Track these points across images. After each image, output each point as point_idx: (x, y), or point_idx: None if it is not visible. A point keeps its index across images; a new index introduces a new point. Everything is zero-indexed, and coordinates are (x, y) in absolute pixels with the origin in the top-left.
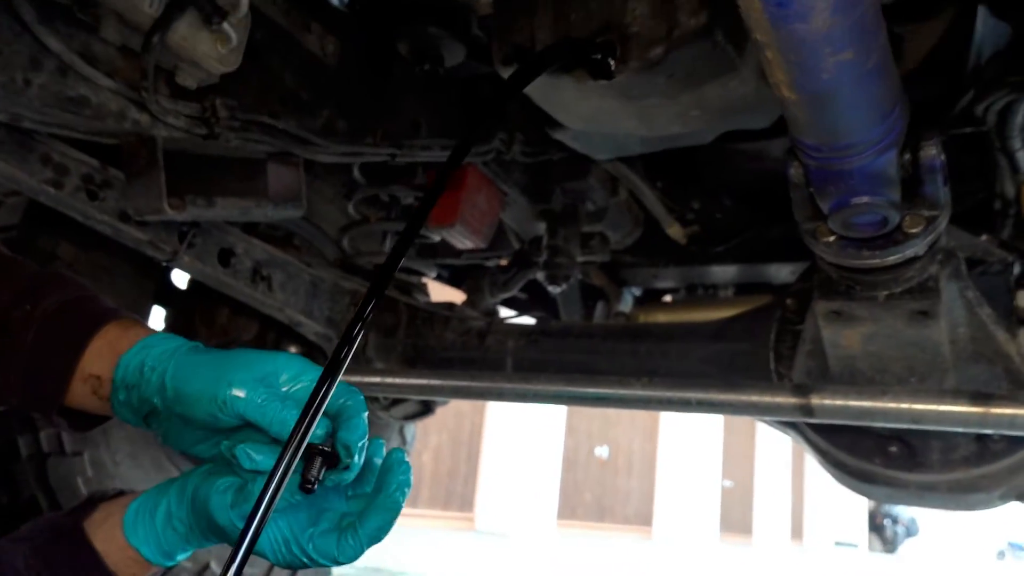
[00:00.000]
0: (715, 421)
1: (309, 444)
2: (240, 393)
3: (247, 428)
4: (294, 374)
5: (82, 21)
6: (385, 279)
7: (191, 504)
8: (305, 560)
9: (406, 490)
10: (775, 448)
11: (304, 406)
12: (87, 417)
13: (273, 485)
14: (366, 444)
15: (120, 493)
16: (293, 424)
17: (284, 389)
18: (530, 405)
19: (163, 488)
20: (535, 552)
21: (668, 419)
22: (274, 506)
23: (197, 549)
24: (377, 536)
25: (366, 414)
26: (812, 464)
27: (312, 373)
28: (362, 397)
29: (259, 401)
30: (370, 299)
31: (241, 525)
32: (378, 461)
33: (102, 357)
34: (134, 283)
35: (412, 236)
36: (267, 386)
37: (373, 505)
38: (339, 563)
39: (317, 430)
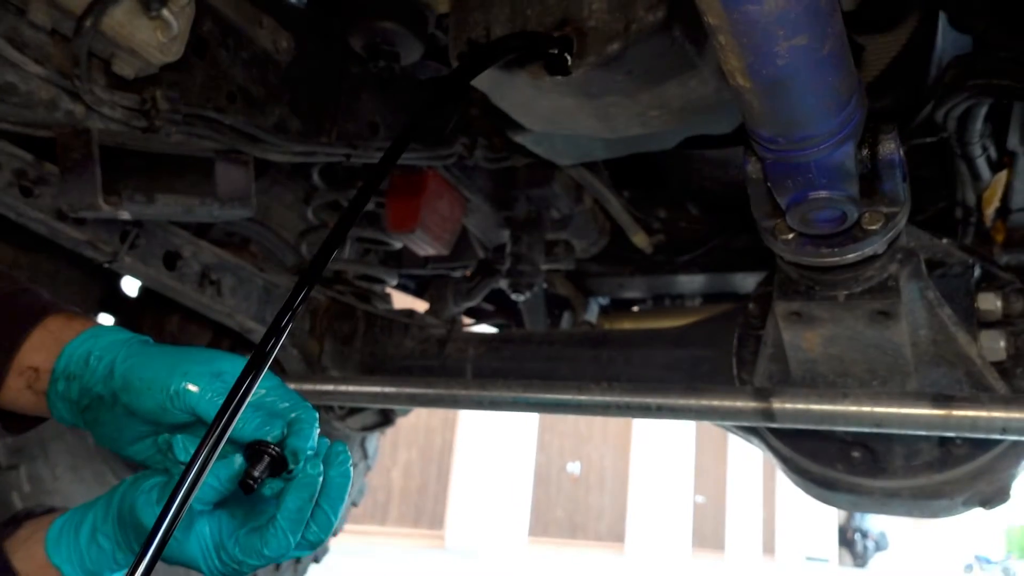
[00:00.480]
0: (686, 436)
1: (260, 442)
2: (193, 387)
3: (195, 425)
4: None
5: (9, 3)
6: (317, 269)
7: (117, 515)
8: (235, 565)
9: (338, 479)
10: (746, 463)
11: (226, 397)
12: (17, 418)
13: (192, 475)
14: (313, 457)
15: (51, 510)
16: (244, 425)
17: None
18: (501, 420)
19: (90, 503)
20: (506, 570)
21: (639, 434)
22: (195, 498)
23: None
24: (298, 518)
25: (317, 426)
26: (783, 479)
27: (270, 380)
28: (315, 412)
29: (210, 397)
30: (299, 290)
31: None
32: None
33: (44, 348)
34: (79, 289)
35: (348, 224)
36: (223, 383)
37: (289, 486)
38: (269, 558)
39: (273, 431)
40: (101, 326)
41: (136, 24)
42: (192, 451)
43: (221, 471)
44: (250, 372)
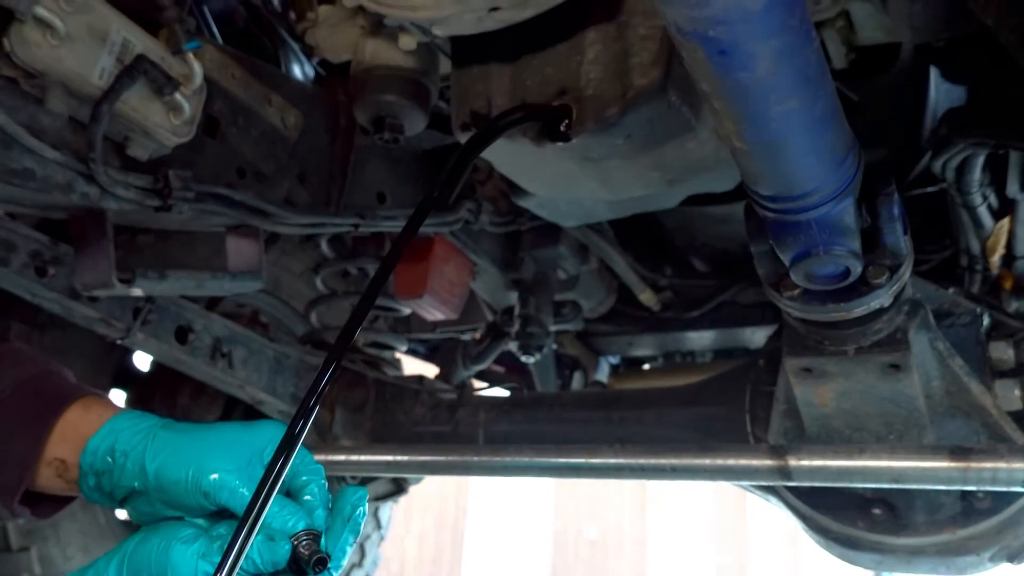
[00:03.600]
0: (704, 493)
1: (313, 551)
2: (223, 482)
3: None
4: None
5: (28, 93)
6: (342, 347)
7: (129, 564)
8: None
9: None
10: (768, 519)
11: (258, 484)
12: (51, 501)
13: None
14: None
15: None
16: (277, 514)
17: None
18: (515, 483)
19: (87, 567)
20: None
21: (656, 492)
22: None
23: None
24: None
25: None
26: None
27: (301, 455)
28: (364, 504)
29: (243, 491)
30: (327, 368)
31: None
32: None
33: (66, 440)
34: (91, 365)
35: (370, 303)
36: (251, 469)
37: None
38: None
39: (315, 522)
40: (119, 416)
41: (150, 108)
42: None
43: (265, 553)
44: (281, 455)
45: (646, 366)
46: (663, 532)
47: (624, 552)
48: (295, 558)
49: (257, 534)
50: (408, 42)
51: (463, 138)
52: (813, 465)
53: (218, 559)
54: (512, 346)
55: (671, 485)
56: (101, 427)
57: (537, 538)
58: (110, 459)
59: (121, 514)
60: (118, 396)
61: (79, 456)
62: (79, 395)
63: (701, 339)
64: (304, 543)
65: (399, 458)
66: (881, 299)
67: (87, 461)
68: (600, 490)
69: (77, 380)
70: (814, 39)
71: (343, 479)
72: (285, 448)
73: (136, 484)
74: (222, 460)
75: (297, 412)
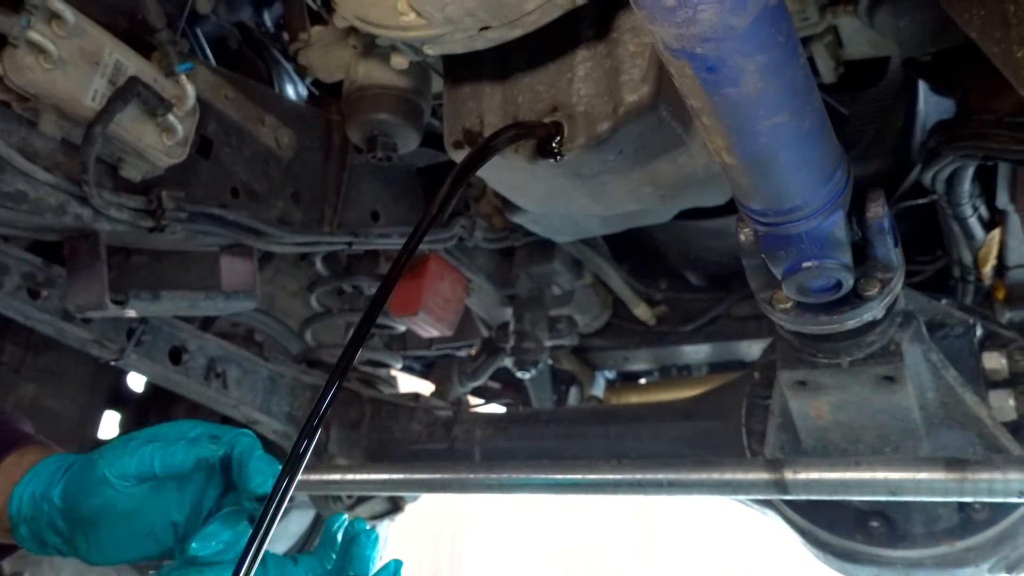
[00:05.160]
0: (704, 506)
1: None
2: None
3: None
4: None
5: (21, 116)
6: (344, 368)
7: None
8: None
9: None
10: (767, 531)
11: (263, 508)
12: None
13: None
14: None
15: None
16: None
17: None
18: (514, 502)
19: None
20: None
21: (657, 503)
22: None
23: None
24: None
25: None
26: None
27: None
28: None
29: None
30: (328, 390)
31: None
32: (338, 535)
33: (2, 492)
34: (85, 387)
35: (370, 323)
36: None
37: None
38: None
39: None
40: (45, 459)
41: (143, 129)
42: None
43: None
44: (284, 477)
45: (642, 380)
46: (663, 547)
47: (624, 567)
48: None
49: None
50: (400, 62)
51: (456, 156)
52: (810, 478)
53: None
54: (508, 362)
55: (672, 500)
56: (25, 473)
57: (536, 553)
58: (35, 505)
59: None
60: (112, 418)
61: (7, 506)
62: (21, 444)
63: (697, 352)
64: None
65: (396, 476)
66: (874, 311)
67: (14, 509)
68: (599, 503)
69: (71, 403)
70: (801, 55)
71: (339, 499)
72: (289, 470)
73: (53, 534)
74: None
75: (301, 432)
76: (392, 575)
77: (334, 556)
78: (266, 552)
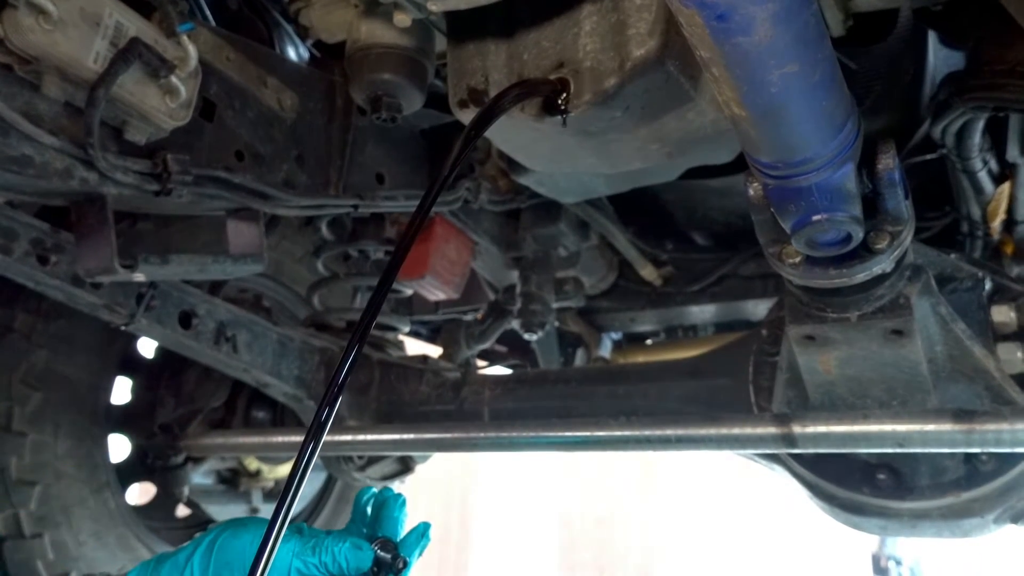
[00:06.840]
0: (711, 466)
1: (395, 555)
2: None
3: None
4: None
5: (24, 79)
6: (363, 334)
7: (217, 558)
8: None
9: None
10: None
11: (288, 476)
12: None
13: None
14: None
15: None
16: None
17: None
18: (521, 461)
19: (176, 552)
20: None
21: (663, 466)
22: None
23: None
24: None
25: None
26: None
27: None
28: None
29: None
30: (347, 356)
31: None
32: (368, 507)
33: None
34: (97, 353)
35: (386, 288)
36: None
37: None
38: None
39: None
40: None
41: (146, 91)
42: None
43: (351, 559)
44: (308, 443)
45: (648, 341)
46: (670, 509)
47: (631, 529)
48: (377, 562)
49: (344, 542)
50: (403, 20)
51: (461, 115)
52: (817, 431)
53: (311, 559)
54: (514, 324)
55: (678, 462)
56: None
57: (544, 516)
58: None
59: (139, 499)
60: (124, 383)
61: None
62: None
63: (703, 313)
64: (385, 549)
65: (406, 436)
66: (883, 264)
67: None
68: (606, 467)
69: (82, 370)
70: (812, 3)
71: (350, 460)
72: (312, 436)
73: None
74: None
75: (322, 400)
76: (421, 536)
77: (365, 530)
78: (302, 524)
